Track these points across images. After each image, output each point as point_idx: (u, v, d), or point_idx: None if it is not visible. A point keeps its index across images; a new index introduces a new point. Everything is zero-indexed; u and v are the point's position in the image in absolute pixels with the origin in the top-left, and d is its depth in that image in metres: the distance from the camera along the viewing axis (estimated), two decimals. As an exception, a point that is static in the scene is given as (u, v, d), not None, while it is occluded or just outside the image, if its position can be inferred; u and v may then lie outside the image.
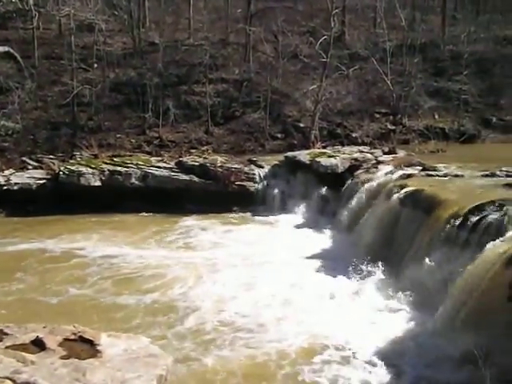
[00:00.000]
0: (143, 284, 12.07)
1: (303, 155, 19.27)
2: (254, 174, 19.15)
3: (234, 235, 16.28)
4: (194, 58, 27.61)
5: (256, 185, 19.08)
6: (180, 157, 20.80)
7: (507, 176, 13.76)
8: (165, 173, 19.03)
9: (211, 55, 26.92)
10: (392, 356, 8.39)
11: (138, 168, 19.04)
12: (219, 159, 19.59)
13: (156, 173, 18.98)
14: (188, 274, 12.64)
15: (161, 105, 24.66)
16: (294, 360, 8.48)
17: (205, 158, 20.04)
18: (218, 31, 30.33)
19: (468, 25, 29.95)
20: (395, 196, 13.30)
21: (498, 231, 9.16)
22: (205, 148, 23.69)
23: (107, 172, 18.84)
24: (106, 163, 19.37)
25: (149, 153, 22.94)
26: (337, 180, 17.74)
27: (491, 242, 8.72)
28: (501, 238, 8.74)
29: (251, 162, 19.87)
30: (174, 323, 9.96)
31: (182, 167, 19.22)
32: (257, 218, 18.27)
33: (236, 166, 19.29)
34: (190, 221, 17.61)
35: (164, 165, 19.47)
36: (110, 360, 4.25)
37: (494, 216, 9.69)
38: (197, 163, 19.29)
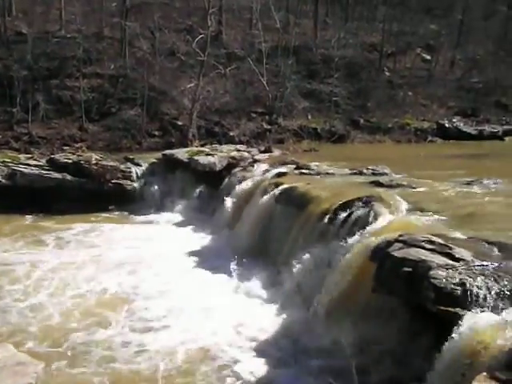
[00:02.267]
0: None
1: (181, 153, 19.21)
2: (130, 172, 18.75)
3: (110, 234, 15.83)
4: (67, 51, 26.43)
5: (133, 183, 18.69)
6: (52, 154, 19.84)
7: (373, 174, 14.76)
8: (35, 171, 17.95)
9: (85, 49, 25.94)
10: (266, 348, 8.62)
11: (5, 166, 17.82)
12: (94, 156, 18.89)
13: (25, 171, 17.84)
14: (54, 275, 12.14)
15: (30, 99, 23.31)
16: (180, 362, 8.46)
17: (79, 155, 19.18)
18: (91, 24, 29.19)
19: (338, 30, 31.62)
20: (270, 193, 13.71)
21: (364, 226, 9.79)
22: (79, 145, 22.80)
23: (-31, 170, 17.47)
24: (-31, 160, 17.95)
25: (17, 149, 21.63)
26: (215, 178, 17.90)
27: (358, 237, 9.30)
28: (366, 233, 9.35)
29: (128, 159, 19.41)
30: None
31: (54, 165, 18.25)
32: (135, 216, 17.91)
33: (112, 163, 18.73)
34: (63, 221, 16.78)
35: (34, 162, 18.39)
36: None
37: (360, 212, 10.33)
38: (70, 161, 18.41)
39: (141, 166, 19.18)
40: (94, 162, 18.45)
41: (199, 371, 8.06)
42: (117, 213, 18.16)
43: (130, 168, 18.87)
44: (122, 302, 10.75)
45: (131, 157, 19.73)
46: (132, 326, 9.62)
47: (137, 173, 18.90)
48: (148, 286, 11.51)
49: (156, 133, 24.85)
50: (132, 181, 18.70)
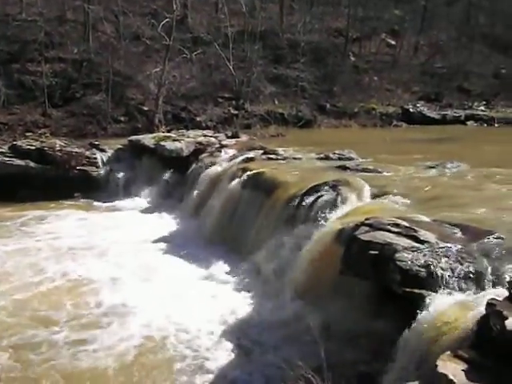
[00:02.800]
0: None
1: (148, 139, 19.00)
2: (96, 159, 18.48)
3: (77, 221, 15.60)
4: (28, 35, 25.63)
5: (99, 169, 18.43)
6: (14, 140, 19.36)
7: (340, 159, 14.92)
8: (-3, 158, 17.55)
9: (47, 32, 25.25)
10: (234, 334, 8.66)
11: (-35, 152, 17.36)
12: (58, 143, 18.51)
13: (-14, 158, 17.43)
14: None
15: (-11, 84, 22.67)
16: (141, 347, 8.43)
17: (42, 141, 18.75)
18: (53, 7, 28.32)
19: (304, 15, 31.60)
20: (238, 179, 13.71)
21: (331, 210, 9.89)
22: (42, 131, 22.29)
23: None
24: None
25: (-24, 136, 21.04)
26: (182, 164, 17.77)
27: (325, 221, 9.40)
28: (333, 217, 9.45)
29: (93, 145, 19.09)
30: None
31: (17, 151, 17.80)
32: (101, 203, 17.66)
33: (77, 149, 18.40)
34: (22, 208, 16.38)
35: (-4, 149, 17.97)
36: None
37: (327, 196, 10.43)
38: (33, 147, 17.96)
39: (106, 152, 18.92)
40: (58, 148, 18.09)
41: (161, 358, 8.04)
42: (82, 200, 17.86)
43: (95, 154, 18.59)
44: (68, 291, 10.53)
45: (96, 143, 19.41)
46: (79, 320, 9.30)
47: (102, 159, 18.64)
48: (109, 274, 11.35)
49: (122, 118, 24.44)
50: (97, 167, 18.44)
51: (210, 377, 7.52)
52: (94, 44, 26.62)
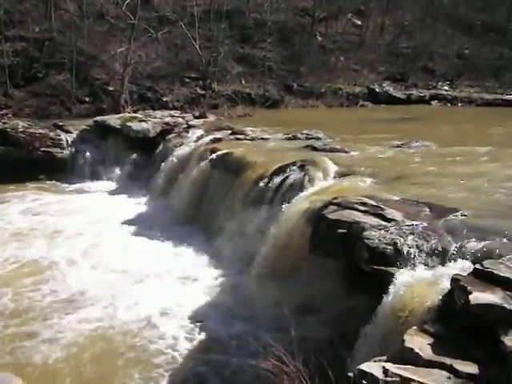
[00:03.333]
0: None
1: (113, 120, 18.75)
2: (60, 140, 18.16)
3: (42, 205, 15.33)
4: (-14, 13, 24.78)
5: (64, 151, 18.14)
6: (-26, 122, 18.80)
7: (307, 139, 14.97)
8: (-43, 139, 17.04)
9: (6, 10, 24.39)
10: (206, 314, 8.72)
11: None
12: (21, 124, 18.07)
13: None
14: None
15: None
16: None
17: (4, 122, 18.27)
18: (12, -16, 27.48)
19: (270, -6, 31.34)
20: (206, 159, 13.66)
21: (299, 190, 9.96)
22: (4, 112, 21.64)
23: None
24: None
25: None
26: (149, 145, 17.63)
27: (293, 201, 9.46)
28: (301, 196, 9.52)
29: (57, 126, 18.72)
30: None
31: (-22, 133, 17.39)
32: (66, 185, 17.46)
33: (40, 131, 18.03)
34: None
35: (-45, 131, 17.43)
36: None
37: (296, 176, 10.50)
38: (-5, 129, 17.57)
39: (71, 133, 18.60)
40: (21, 129, 17.67)
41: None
42: (47, 182, 17.57)
43: (59, 135, 18.27)
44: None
45: (61, 124, 19.03)
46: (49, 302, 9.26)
47: (67, 140, 18.33)
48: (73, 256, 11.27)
49: (86, 99, 23.95)
50: (62, 148, 18.13)
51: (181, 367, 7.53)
52: (57, 23, 25.84)
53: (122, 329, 8.33)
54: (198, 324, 8.41)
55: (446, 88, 31.82)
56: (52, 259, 11.06)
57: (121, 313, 8.82)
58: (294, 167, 10.81)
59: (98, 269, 10.66)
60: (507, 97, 29.16)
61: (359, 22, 34.97)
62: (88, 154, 18.24)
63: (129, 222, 13.72)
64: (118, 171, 17.81)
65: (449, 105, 28.89)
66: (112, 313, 8.82)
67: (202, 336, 8.11)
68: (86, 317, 8.66)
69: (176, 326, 8.38)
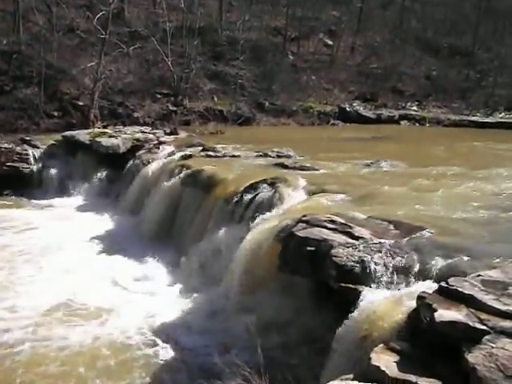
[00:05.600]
0: None
1: (83, 135, 18.55)
2: (27, 155, 17.92)
3: (5, 221, 14.96)
4: (-48, 24, 24.42)
5: (30, 166, 17.90)
6: None
7: (278, 156, 15.05)
8: None
9: (-28, 21, 24.11)
10: (175, 332, 8.60)
11: None
12: (-14, 138, 17.81)
13: None
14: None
15: None
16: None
17: (-32, 136, 18.01)
18: (-21, -5, 27.15)
19: (243, 13, 31.64)
20: (177, 176, 13.59)
21: (269, 207, 9.98)
22: (-31, 126, 21.28)
23: None
24: None
25: None
26: (119, 161, 17.49)
27: (263, 218, 9.46)
28: (271, 213, 9.53)
29: (24, 141, 18.46)
30: None
31: None
32: (33, 201, 17.15)
33: (6, 145, 17.80)
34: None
35: None
36: None
37: (266, 193, 10.52)
38: (-41, 142, 17.24)
39: (39, 148, 18.37)
40: (-14, 144, 17.37)
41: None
42: (12, 197, 17.23)
43: (26, 150, 18.04)
44: None
45: (28, 138, 18.78)
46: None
47: (34, 155, 18.08)
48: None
49: (55, 113, 23.64)
50: (29, 164, 17.88)
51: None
52: (25, 35, 25.57)
53: None
54: (163, 344, 8.27)
55: (415, 108, 32.42)
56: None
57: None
58: (265, 184, 10.84)
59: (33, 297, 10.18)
60: (473, 118, 29.85)
61: (330, 42, 35.52)
62: (56, 169, 18.01)
63: (94, 239, 13.49)
64: (86, 187, 17.58)
65: (417, 125, 29.37)
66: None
67: (168, 356, 7.97)
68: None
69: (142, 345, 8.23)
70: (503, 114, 31.94)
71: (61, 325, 8.83)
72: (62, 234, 13.87)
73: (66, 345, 8.15)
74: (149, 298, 10.03)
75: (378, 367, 4.35)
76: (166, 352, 8.05)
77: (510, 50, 36.15)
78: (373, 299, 5.86)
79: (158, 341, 8.34)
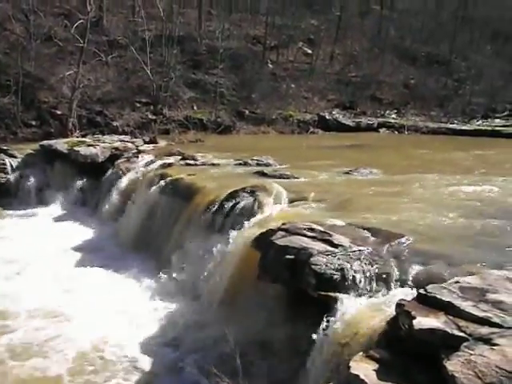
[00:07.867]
0: None
1: (61, 144, 18.36)
2: (4, 164, 17.64)
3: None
4: None
5: (7, 176, 17.60)
6: None
7: (258, 165, 15.05)
8: None
9: None
10: (152, 344, 8.49)
11: None
12: (-38, 148, 17.53)
13: None
14: None
15: None
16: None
17: None
18: (-46, 2, 26.77)
19: (222, 21, 31.71)
20: (156, 185, 13.50)
21: (249, 215, 9.94)
22: None
23: None
24: None
25: None
26: (97, 170, 17.31)
27: (242, 227, 9.42)
28: (251, 222, 9.49)
29: (1, 150, 18.19)
30: None
31: None
32: (10, 211, 16.81)
33: (-18, 155, 17.50)
34: None
35: None
36: None
37: (245, 202, 10.48)
38: None
39: (16, 157, 18.10)
40: (-39, 153, 17.10)
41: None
42: (-12, 207, 16.94)
43: (3, 160, 17.77)
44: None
45: (5, 148, 18.51)
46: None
47: (11, 165, 17.81)
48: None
49: (33, 122, 23.35)
50: (6, 173, 17.61)
51: None
52: (2, 44, 25.30)
53: None
54: (142, 356, 8.15)
55: (394, 116, 32.74)
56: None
57: None
58: (244, 193, 10.79)
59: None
60: (451, 125, 30.25)
61: (309, 51, 35.70)
62: (33, 178, 17.72)
63: (71, 249, 13.28)
64: (64, 196, 17.34)
65: (396, 133, 29.64)
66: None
67: (146, 368, 7.86)
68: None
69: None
70: (480, 121, 32.45)
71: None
72: (41, 244, 13.59)
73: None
74: (126, 309, 9.87)
75: (358, 376, 4.33)
76: (144, 364, 7.92)
77: (487, 59, 36.79)
78: (352, 307, 5.84)
79: (137, 353, 8.20)
